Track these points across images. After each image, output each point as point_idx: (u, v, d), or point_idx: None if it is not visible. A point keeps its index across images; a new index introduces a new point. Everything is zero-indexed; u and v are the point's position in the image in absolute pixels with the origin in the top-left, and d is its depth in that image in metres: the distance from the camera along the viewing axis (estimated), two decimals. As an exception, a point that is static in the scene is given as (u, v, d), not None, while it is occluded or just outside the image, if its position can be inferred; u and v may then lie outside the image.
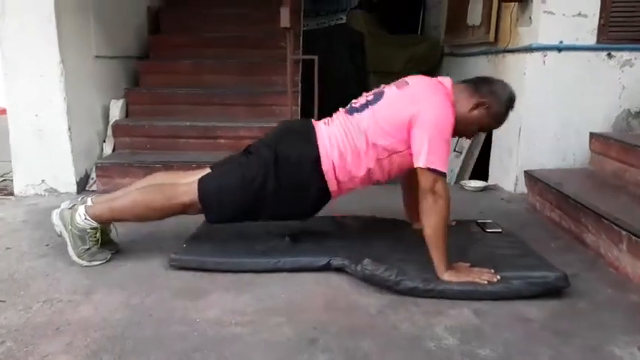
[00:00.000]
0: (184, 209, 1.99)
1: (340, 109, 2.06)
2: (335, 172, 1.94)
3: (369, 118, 1.92)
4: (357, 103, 2.02)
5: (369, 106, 1.94)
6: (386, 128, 1.88)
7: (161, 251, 2.08)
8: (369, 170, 1.94)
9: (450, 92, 1.91)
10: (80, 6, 3.13)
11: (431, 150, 1.79)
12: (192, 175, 2.08)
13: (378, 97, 1.96)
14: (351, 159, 1.93)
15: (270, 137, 2.07)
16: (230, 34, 4.09)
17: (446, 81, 1.95)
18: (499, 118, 1.97)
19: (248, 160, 2.02)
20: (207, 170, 2.08)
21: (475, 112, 1.92)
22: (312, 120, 2.08)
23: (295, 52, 3.43)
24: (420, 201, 1.81)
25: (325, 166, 1.93)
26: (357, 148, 1.92)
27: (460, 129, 1.94)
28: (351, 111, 1.99)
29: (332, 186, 1.96)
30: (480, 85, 1.95)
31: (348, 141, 1.92)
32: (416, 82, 1.96)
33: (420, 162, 1.80)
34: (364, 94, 2.04)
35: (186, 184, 1.99)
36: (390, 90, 1.96)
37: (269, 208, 1.97)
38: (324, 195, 1.99)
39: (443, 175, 1.80)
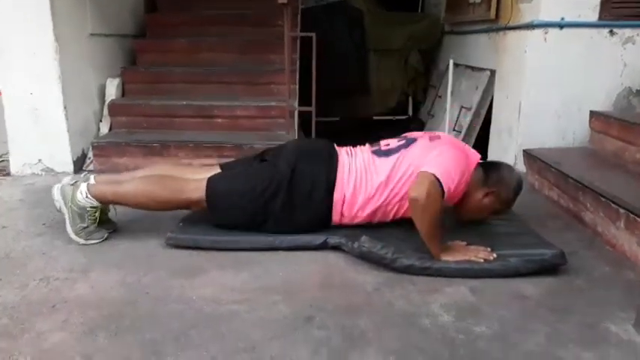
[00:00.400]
0: (189, 205, 2.00)
1: (367, 145, 2.06)
2: (342, 206, 1.95)
3: (392, 166, 1.91)
4: (387, 145, 2.01)
5: (397, 152, 1.94)
6: (404, 178, 1.89)
7: (159, 231, 2.07)
8: (374, 212, 1.95)
9: (473, 166, 1.92)
10: (74, -17, 3.08)
11: (442, 166, 1.78)
12: (202, 171, 2.08)
13: (409, 143, 1.96)
14: (361, 200, 1.93)
15: (290, 152, 2.04)
16: (228, 12, 4.02)
17: (475, 155, 1.97)
18: (509, 203, 2.02)
19: (262, 168, 2.02)
20: (217, 169, 2.07)
21: (486, 201, 1.95)
22: (336, 146, 2.07)
23: (293, 30, 3.37)
24: (410, 206, 1.78)
25: (337, 196, 1.93)
26: (370, 192, 1.92)
27: (474, 214, 2.00)
28: (378, 153, 1.98)
29: (335, 216, 1.97)
30: (489, 173, 1.96)
31: (365, 182, 1.93)
32: (448, 137, 2.01)
33: (427, 168, 1.78)
34: (395, 138, 2.04)
35: (195, 181, 1.98)
36: (422, 140, 1.96)
37: (273, 220, 1.96)
38: (327, 220, 1.99)
39: (442, 191, 1.75)
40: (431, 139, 1.96)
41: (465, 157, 1.90)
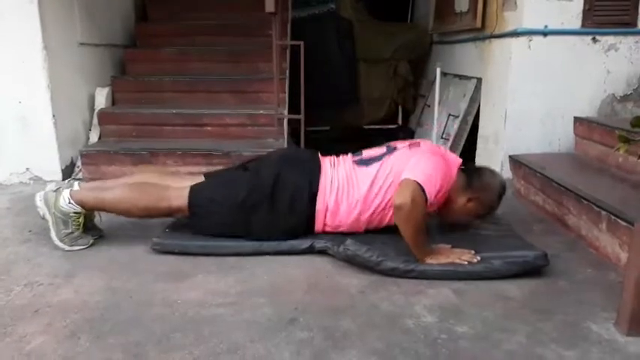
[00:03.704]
0: (171, 212, 2.00)
1: (349, 154, 2.08)
2: (325, 216, 1.97)
3: (374, 175, 1.93)
4: (368, 155, 2.03)
5: (378, 161, 1.96)
6: (385, 187, 1.91)
7: (145, 237, 2.07)
8: (357, 221, 1.97)
9: (454, 171, 1.94)
10: (63, -8, 3.10)
11: (424, 173, 1.80)
12: (185, 179, 2.09)
13: (390, 151, 1.98)
14: (344, 209, 1.95)
15: (274, 161, 2.06)
16: (218, 21, 4.05)
17: (455, 160, 2.00)
18: (493, 207, 2.04)
19: (245, 177, 2.02)
20: (201, 178, 2.08)
21: (469, 206, 1.97)
22: (320, 155, 2.08)
23: (282, 39, 3.40)
24: (395, 213, 1.79)
25: (319, 205, 1.95)
26: (352, 203, 1.94)
27: (459, 218, 2.02)
28: (360, 162, 2.00)
29: (318, 225, 1.99)
30: (472, 178, 1.98)
31: (347, 192, 1.94)
32: (427, 144, 2.02)
33: (409, 175, 1.80)
34: (376, 147, 2.06)
35: (178, 189, 1.99)
36: (402, 149, 1.98)
37: (255, 229, 1.97)
38: (309, 230, 2.00)
39: (425, 197, 1.77)
40: (410, 146, 1.98)
41: (444, 163, 1.91)
